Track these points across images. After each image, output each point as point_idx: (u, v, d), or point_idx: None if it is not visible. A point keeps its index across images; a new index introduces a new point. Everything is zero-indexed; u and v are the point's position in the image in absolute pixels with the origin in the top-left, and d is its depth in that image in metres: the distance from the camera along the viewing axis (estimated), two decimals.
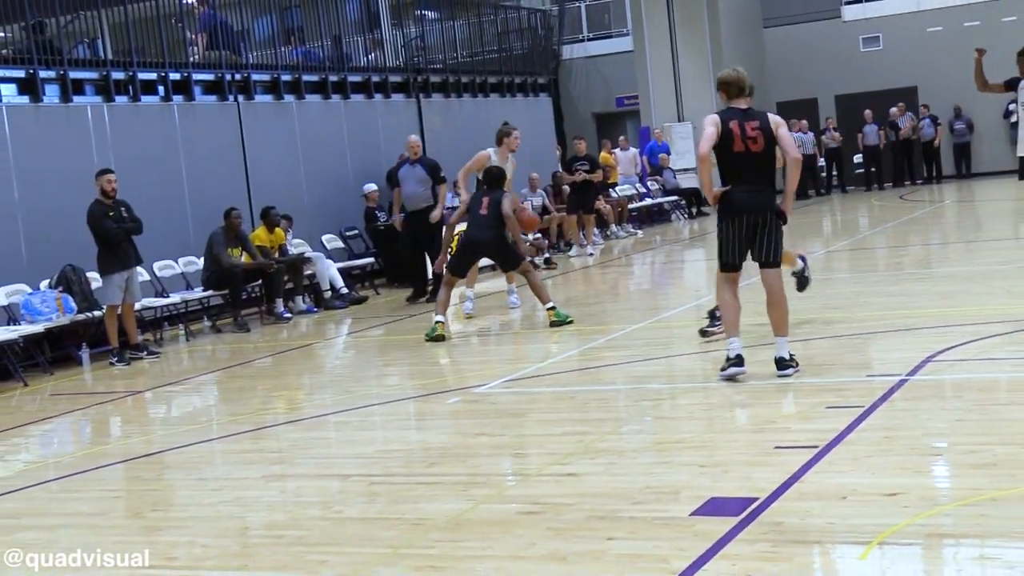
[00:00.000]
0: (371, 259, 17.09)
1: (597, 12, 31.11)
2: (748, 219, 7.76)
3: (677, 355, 9.24)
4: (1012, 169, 12.33)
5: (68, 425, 9.63)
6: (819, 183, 28.49)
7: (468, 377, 9.78)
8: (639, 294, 15.03)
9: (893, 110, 27.63)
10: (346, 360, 11.99)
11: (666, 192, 24.78)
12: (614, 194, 22.84)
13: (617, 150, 24.46)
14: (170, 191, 14.84)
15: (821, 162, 28.44)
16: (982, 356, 8.16)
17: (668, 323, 11.36)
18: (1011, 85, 11.92)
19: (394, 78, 19.68)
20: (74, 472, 7.46)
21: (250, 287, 14.62)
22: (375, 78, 19.11)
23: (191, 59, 16.16)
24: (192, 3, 17.16)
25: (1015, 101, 12.16)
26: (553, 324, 11.36)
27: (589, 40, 30.96)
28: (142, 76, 14.94)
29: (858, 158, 28.39)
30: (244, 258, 14.16)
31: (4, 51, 14.29)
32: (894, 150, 27.86)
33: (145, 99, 14.97)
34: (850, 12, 29.37)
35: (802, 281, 9.87)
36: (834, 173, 28.73)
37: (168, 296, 13.96)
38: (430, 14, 22.94)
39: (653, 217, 24.55)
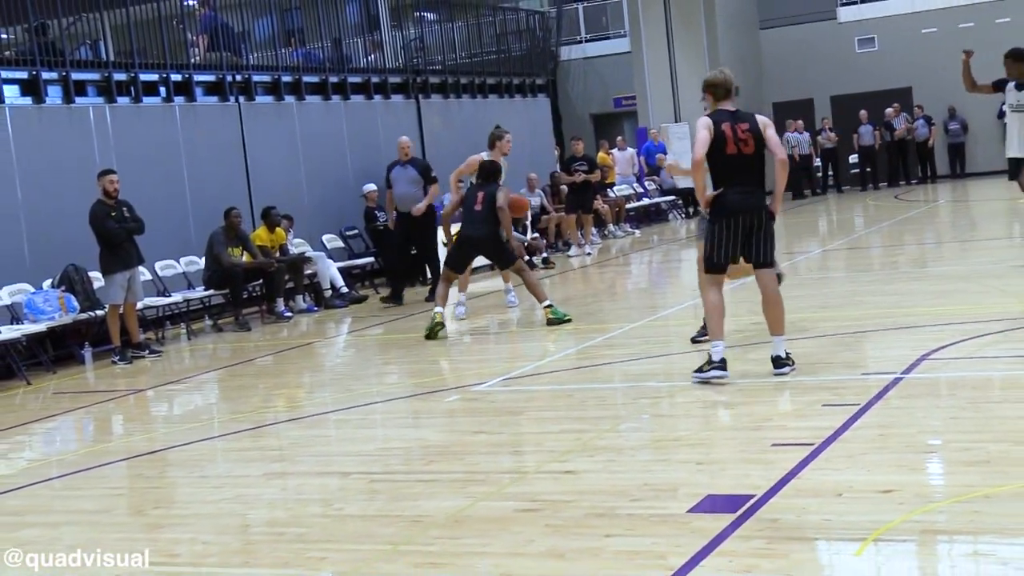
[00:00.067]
0: (371, 258, 17.15)
1: (594, 14, 31.18)
2: (744, 220, 7.76)
3: (675, 353, 9.26)
4: (1006, 169, 12.39)
5: (71, 423, 9.68)
6: (815, 183, 28.55)
7: (467, 375, 9.81)
8: (637, 293, 15.08)
9: (888, 111, 27.70)
10: (346, 359, 12.02)
11: (663, 192, 24.85)
12: (612, 194, 22.91)
13: (615, 150, 24.51)
14: (171, 191, 14.89)
15: (817, 162, 28.51)
16: (976, 354, 8.21)
17: (666, 321, 11.39)
18: (999, 86, 11.98)
19: (393, 79, 19.71)
20: (77, 470, 7.49)
21: (251, 286, 14.65)
22: (375, 79, 19.14)
23: (192, 60, 16.19)
24: (193, 5, 17.21)
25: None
26: (550, 322, 11.39)
27: (587, 41, 31.04)
28: (144, 77, 14.97)
29: (853, 158, 28.46)
30: (245, 257, 14.22)
31: (7, 53, 14.34)
32: (889, 150, 27.94)
33: (147, 100, 15.01)
34: (846, 13, 29.46)
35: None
36: (830, 173, 28.80)
37: (170, 295, 14.00)
38: (429, 16, 22.96)
39: (650, 217, 24.62)
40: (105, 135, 14.19)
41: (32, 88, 13.60)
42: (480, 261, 13.62)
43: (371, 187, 17.35)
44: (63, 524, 6.27)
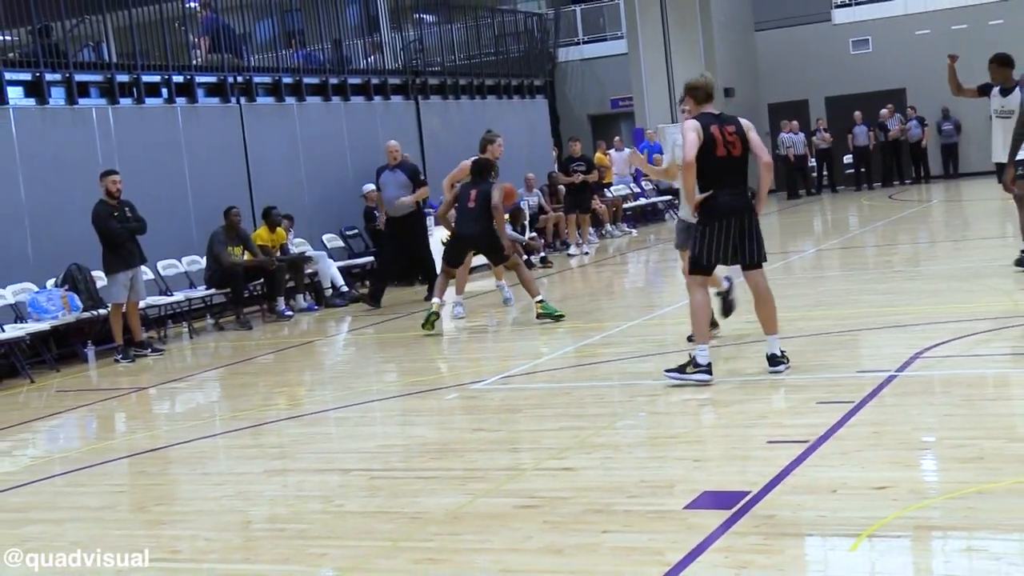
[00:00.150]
0: (371, 258, 17.20)
1: (592, 15, 31.22)
2: (735, 222, 7.78)
3: (671, 352, 9.27)
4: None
5: (74, 421, 9.72)
6: (810, 183, 28.64)
7: (465, 373, 9.84)
8: (634, 292, 15.13)
9: (882, 111, 27.76)
10: (346, 357, 12.05)
11: (660, 192, 24.90)
12: (609, 194, 22.97)
13: (612, 151, 24.56)
14: (173, 191, 14.95)
15: (812, 162, 28.60)
16: (969, 352, 8.25)
17: (662, 320, 11.44)
18: (984, 91, 12.03)
19: (393, 80, 19.75)
20: (80, 467, 7.53)
21: (252, 285, 14.70)
22: (374, 80, 19.19)
23: (194, 62, 16.26)
24: (195, 7, 17.25)
25: None
26: (540, 316, 11.44)
27: (584, 43, 31.06)
28: (146, 79, 15.03)
29: (848, 158, 28.53)
30: (246, 256, 14.29)
31: (11, 54, 14.37)
32: (883, 151, 28.01)
33: (149, 101, 15.07)
34: (840, 15, 29.52)
35: (727, 305, 9.47)
36: (824, 173, 28.87)
37: (172, 294, 14.06)
38: (428, 18, 22.99)
39: (647, 216, 24.66)
40: (108, 136, 14.26)
41: (36, 89, 13.65)
42: (480, 261, 13.67)
43: (371, 187, 17.38)
44: (66, 521, 6.31)
